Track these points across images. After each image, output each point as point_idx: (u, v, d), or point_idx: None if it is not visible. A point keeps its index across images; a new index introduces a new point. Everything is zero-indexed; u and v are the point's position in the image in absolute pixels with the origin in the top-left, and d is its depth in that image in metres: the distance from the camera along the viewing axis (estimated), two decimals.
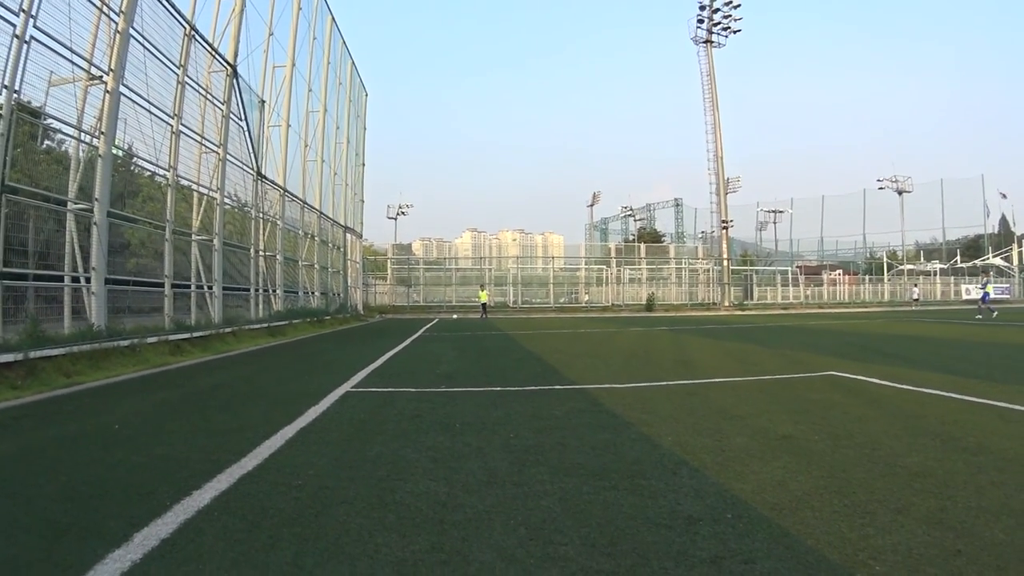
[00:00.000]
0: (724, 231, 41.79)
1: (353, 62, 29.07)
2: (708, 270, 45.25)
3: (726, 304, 39.64)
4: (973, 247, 64.77)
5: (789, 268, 52.37)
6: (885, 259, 57.50)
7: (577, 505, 2.88)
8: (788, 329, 18.72)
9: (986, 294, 27.46)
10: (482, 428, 4.60)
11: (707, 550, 2.35)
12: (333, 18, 24.53)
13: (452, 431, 4.50)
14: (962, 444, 4.01)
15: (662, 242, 68.05)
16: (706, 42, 41.74)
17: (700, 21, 41.61)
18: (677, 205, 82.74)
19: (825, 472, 3.41)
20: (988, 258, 54.50)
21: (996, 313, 26.23)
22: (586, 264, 47.94)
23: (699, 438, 4.25)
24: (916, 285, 47.73)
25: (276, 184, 18.52)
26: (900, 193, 58.34)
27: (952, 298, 51.07)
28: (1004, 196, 61.72)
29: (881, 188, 59.70)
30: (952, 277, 54.42)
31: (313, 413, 5.23)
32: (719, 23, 41.50)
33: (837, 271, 55.65)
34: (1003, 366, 8.49)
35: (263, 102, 17.25)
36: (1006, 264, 54.70)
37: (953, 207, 62.19)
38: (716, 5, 40.83)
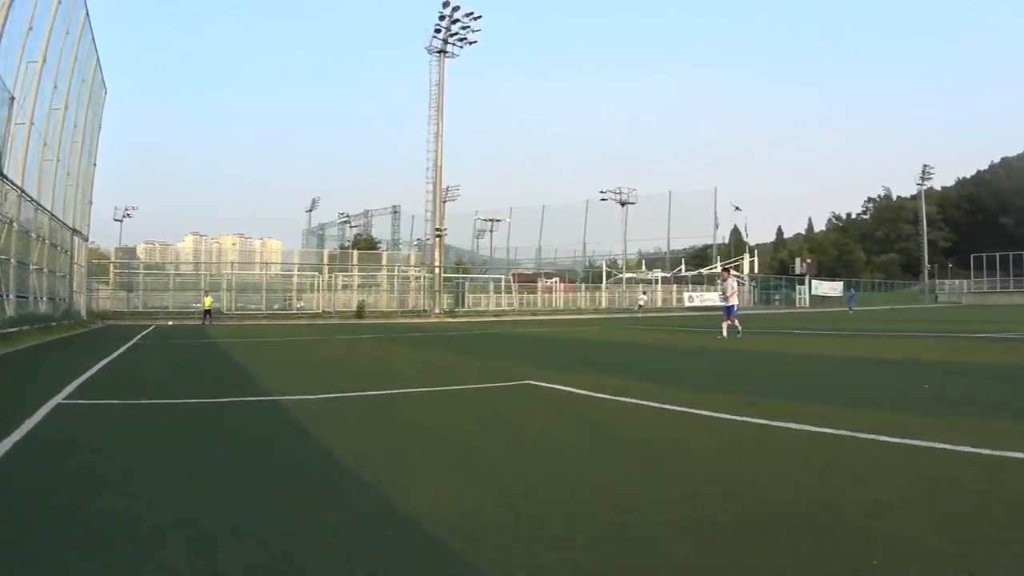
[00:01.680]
0: (438, 239, 43.15)
1: (98, 59, 27.34)
2: (420, 277, 46.33)
3: (436, 311, 40.89)
4: (700, 256, 66.95)
5: (503, 276, 53.15)
6: (604, 267, 58.97)
7: (246, 523, 2.75)
8: (495, 336, 18.79)
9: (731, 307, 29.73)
10: (174, 443, 4.48)
11: (362, 569, 2.24)
12: (87, 12, 23.36)
13: (143, 446, 4.38)
14: (653, 455, 3.93)
15: (376, 249, 67.92)
16: (440, 52, 42.53)
17: (437, 31, 42.23)
18: (395, 212, 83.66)
19: (502, 485, 3.30)
20: (715, 267, 55.33)
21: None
22: (299, 270, 46.73)
23: (379, 451, 4.12)
24: (645, 293, 49.14)
25: (16, 185, 17.03)
26: (623, 204, 61.96)
27: (674, 305, 54.57)
28: (738, 208, 65.98)
29: (604, 200, 62.13)
30: (675, 285, 56.96)
31: (27, 427, 4.87)
32: (456, 33, 42.29)
33: (554, 279, 56.83)
34: (713, 372, 8.80)
35: (12, 99, 16.00)
36: (736, 273, 62.45)
37: (685, 218, 64.58)
38: (456, 16, 41.46)
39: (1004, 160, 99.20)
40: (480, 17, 41.66)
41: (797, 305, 60.27)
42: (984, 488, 3.08)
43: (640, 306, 45.37)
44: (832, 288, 66.44)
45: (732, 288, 15.54)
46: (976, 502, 2.86)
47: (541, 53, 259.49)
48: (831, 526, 2.60)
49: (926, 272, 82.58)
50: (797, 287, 64.44)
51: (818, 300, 62.81)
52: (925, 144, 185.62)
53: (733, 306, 15.18)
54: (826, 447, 4.05)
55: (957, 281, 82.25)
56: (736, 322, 15.17)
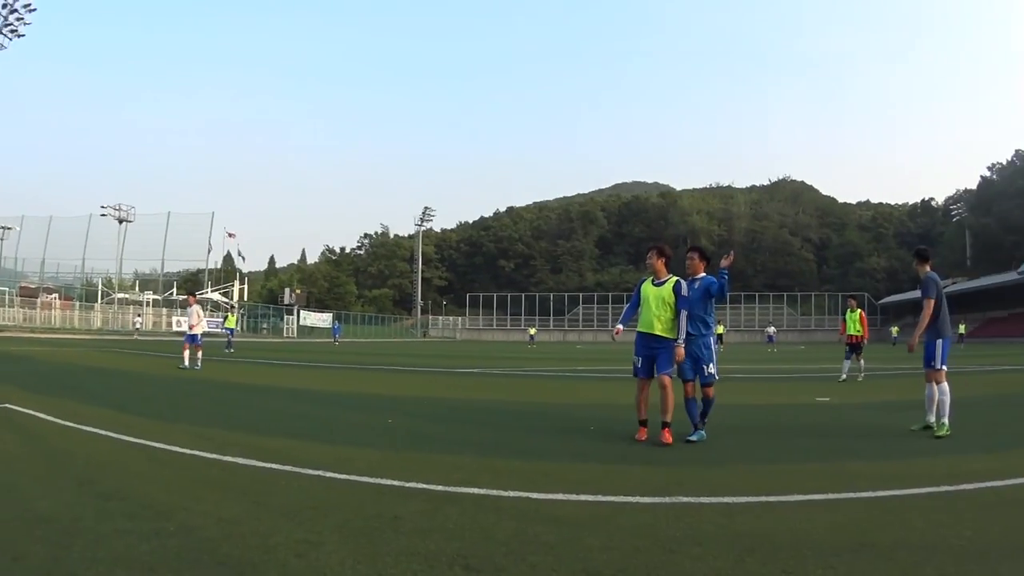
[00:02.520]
0: None
1: None
2: None
3: None
4: (193, 280, 65.26)
5: (7, 288, 48.56)
6: (101, 286, 55.45)
7: None
8: None
9: (230, 331, 27.34)
10: None
11: None
12: None
13: None
14: (98, 488, 3.78)
15: None
16: None
17: None
18: None
19: None
20: (207, 292, 55.70)
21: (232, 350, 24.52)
22: None
23: None
24: (140, 315, 48.00)
25: None
26: (121, 222, 56.82)
27: (164, 329, 51.01)
28: (231, 235, 64.74)
29: (104, 215, 56.72)
30: (165, 309, 54.89)
31: None
32: (9, 24, 36.68)
33: (54, 295, 53.24)
34: (177, 403, 8.35)
35: None
36: (225, 300, 57.29)
37: (181, 240, 62.40)
38: (16, 6, 36.11)
39: (509, 209, 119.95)
40: (35, 10, 38.28)
41: (285, 335, 60.51)
42: (423, 525, 3.14)
43: (137, 329, 43.81)
44: (321, 319, 67.31)
45: (197, 315, 14.43)
46: (413, 539, 2.90)
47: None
48: (256, 563, 2.58)
49: (419, 308, 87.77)
50: (286, 317, 63.98)
51: (306, 331, 63.59)
52: (427, 188, 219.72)
53: (196, 335, 14.09)
54: (269, 483, 3.99)
55: (451, 318, 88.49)
56: (200, 352, 14.02)
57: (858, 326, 13.56)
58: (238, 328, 28.41)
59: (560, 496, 3.71)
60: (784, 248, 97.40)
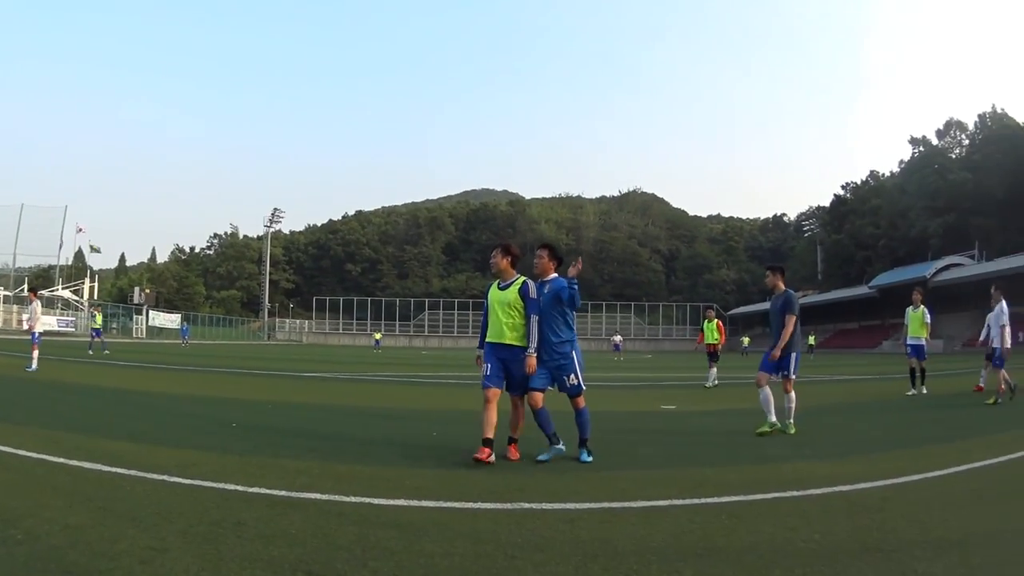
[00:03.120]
0: None
1: None
2: None
3: None
4: (45, 277, 62.69)
5: None
6: None
7: None
8: None
9: (96, 331, 25.60)
10: None
11: None
12: None
13: None
14: None
15: None
16: None
17: None
18: None
19: None
20: (57, 289, 53.26)
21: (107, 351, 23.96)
22: None
23: None
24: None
25: None
26: None
27: (14, 327, 46.19)
28: (81, 230, 62.39)
29: None
30: (16, 306, 50.19)
31: None
32: None
33: None
34: (27, 405, 8.14)
35: None
36: (75, 297, 54.16)
37: (34, 234, 58.42)
38: None
39: (358, 212, 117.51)
40: None
41: (134, 335, 58.54)
42: (266, 530, 3.15)
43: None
44: (170, 320, 65.99)
45: (35, 312, 14.03)
46: (256, 545, 2.93)
47: None
48: (102, 571, 2.58)
49: (266, 310, 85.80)
50: (135, 317, 62.14)
51: (155, 331, 62.28)
52: (277, 189, 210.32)
53: (35, 333, 13.42)
54: (116, 487, 3.96)
55: (298, 321, 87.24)
56: (35, 351, 13.17)
57: (716, 334, 14.45)
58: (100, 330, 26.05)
59: (402, 502, 3.75)
60: (632, 258, 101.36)
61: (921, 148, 72.29)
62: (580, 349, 5.37)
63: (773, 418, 6.73)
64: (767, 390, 6.84)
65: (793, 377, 6.91)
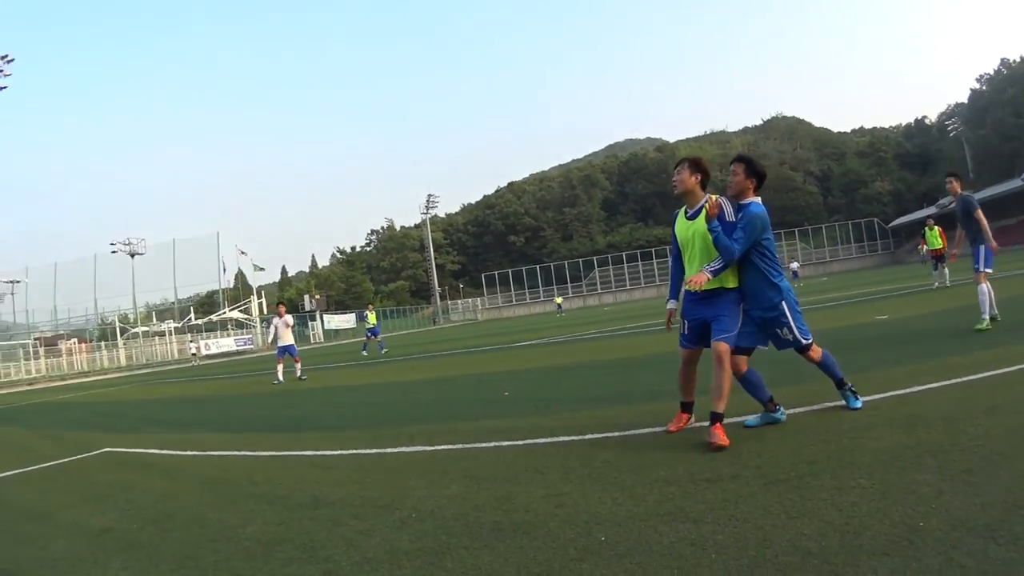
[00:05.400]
0: None
1: None
2: None
3: None
4: (208, 303, 65.11)
5: (29, 341, 48.93)
6: (117, 323, 54.41)
7: None
8: (43, 406, 16.44)
9: (371, 330, 23.51)
10: None
11: None
12: None
13: None
14: (294, 501, 3.82)
15: None
16: None
17: None
18: None
19: (173, 564, 3.07)
20: (225, 312, 55.16)
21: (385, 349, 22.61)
22: None
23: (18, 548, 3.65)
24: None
25: None
26: (132, 256, 55.37)
27: (188, 356, 48.29)
28: (243, 253, 62.89)
29: (114, 252, 55.56)
30: (188, 335, 53.70)
31: None
32: None
33: (72, 340, 53.18)
34: (270, 417, 8.47)
35: None
36: (245, 316, 56.39)
37: (190, 265, 60.31)
38: None
39: (510, 184, 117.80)
40: (12, 60, 39.22)
41: (312, 340, 58.55)
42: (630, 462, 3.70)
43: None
44: (345, 321, 66.18)
45: (276, 328, 14.01)
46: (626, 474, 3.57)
47: None
48: (516, 524, 2.94)
49: (437, 295, 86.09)
50: (309, 323, 62.09)
51: (332, 334, 62.48)
52: (427, 176, 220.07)
53: (292, 346, 13.76)
54: (472, 459, 4.32)
55: (470, 300, 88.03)
56: (298, 363, 13.89)
57: (939, 240, 15.62)
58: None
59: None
60: (787, 184, 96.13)
61: None
62: (794, 293, 4.12)
63: (987, 315, 7.04)
64: (984, 286, 7.11)
65: (984, 270, 7.20)
